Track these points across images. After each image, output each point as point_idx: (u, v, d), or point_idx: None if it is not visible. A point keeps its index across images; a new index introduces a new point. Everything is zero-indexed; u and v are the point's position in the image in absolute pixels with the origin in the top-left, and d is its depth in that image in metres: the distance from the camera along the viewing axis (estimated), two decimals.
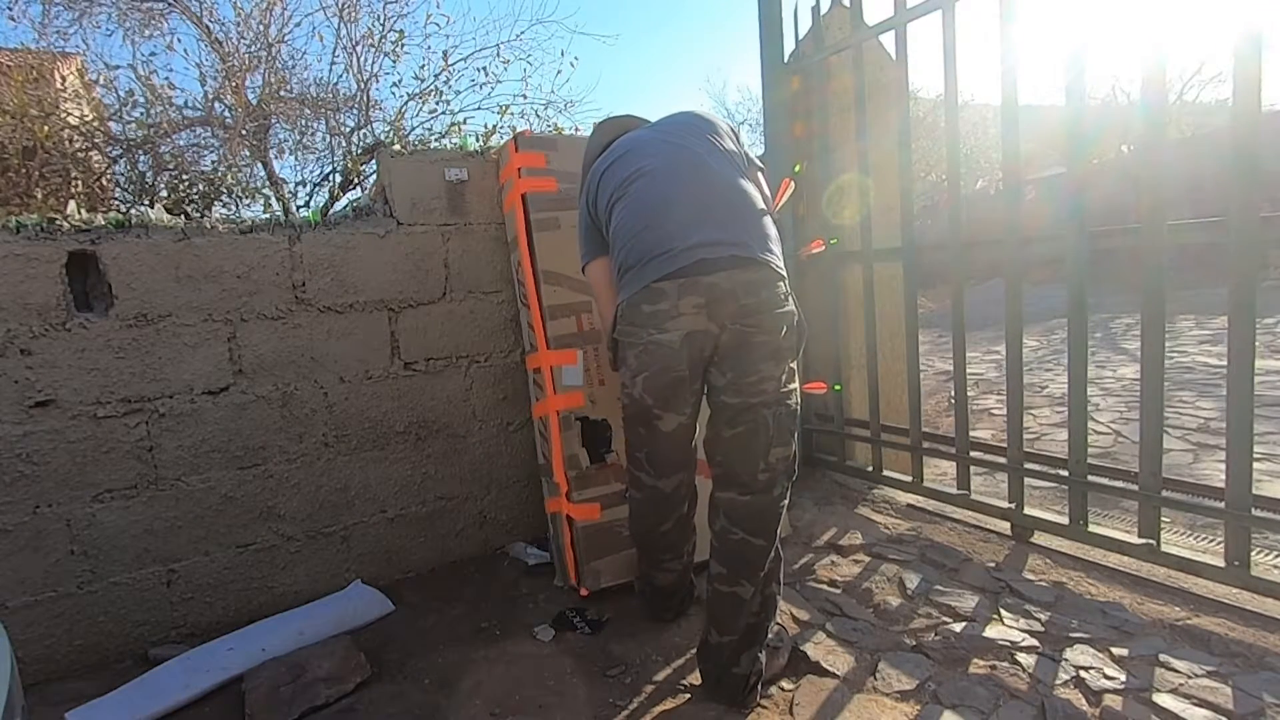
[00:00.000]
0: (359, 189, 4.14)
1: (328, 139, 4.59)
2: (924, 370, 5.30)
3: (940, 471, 2.82)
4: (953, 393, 2.43)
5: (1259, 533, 1.72)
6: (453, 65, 4.57)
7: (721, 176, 1.57)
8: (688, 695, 1.61)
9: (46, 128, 3.64)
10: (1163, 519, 1.89)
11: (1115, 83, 15.39)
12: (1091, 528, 2.00)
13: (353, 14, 4.45)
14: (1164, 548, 1.85)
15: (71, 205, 2.06)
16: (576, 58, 7.31)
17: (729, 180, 1.58)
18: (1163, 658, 1.54)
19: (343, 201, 4.14)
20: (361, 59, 4.49)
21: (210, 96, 4.24)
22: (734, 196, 1.56)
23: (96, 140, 4.09)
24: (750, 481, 1.53)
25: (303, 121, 4.61)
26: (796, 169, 2.58)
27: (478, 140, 3.24)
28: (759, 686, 1.56)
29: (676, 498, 1.74)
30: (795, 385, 1.57)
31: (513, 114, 4.61)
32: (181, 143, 4.32)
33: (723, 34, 42.76)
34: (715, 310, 1.46)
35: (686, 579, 1.91)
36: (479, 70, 4.68)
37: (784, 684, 1.62)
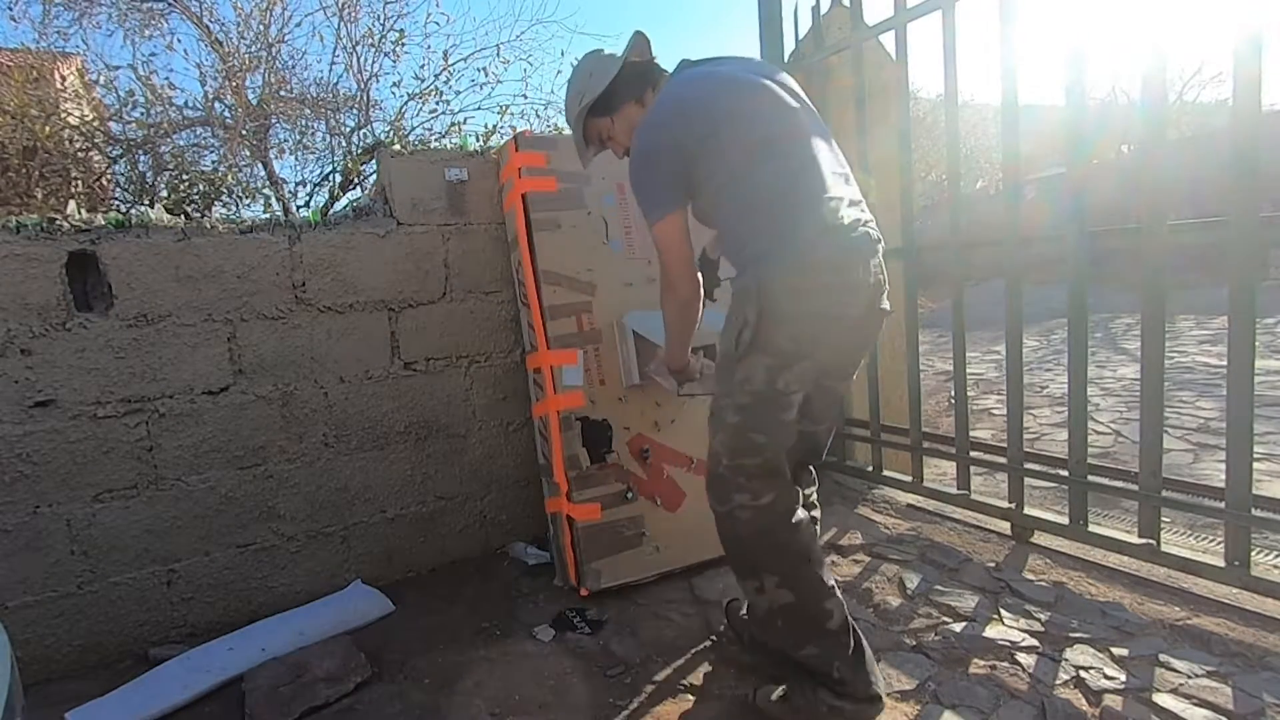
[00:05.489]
0: (359, 189, 4.15)
1: (328, 139, 4.61)
2: (924, 370, 5.30)
3: (940, 471, 2.82)
4: (953, 393, 2.43)
5: (1259, 533, 1.72)
6: (453, 65, 4.59)
7: (841, 156, 1.52)
8: (688, 695, 1.61)
9: (47, 128, 3.64)
10: (1163, 519, 1.89)
11: (1115, 83, 15.42)
12: (1091, 528, 2.00)
13: (353, 14, 4.47)
14: (1164, 548, 1.85)
15: (71, 205, 2.07)
16: (577, 58, 7.29)
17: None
18: (1163, 658, 1.55)
19: (343, 201, 4.16)
20: (361, 59, 4.50)
21: (210, 96, 4.24)
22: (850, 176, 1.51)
23: (96, 140, 4.10)
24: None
25: (303, 121, 4.62)
26: None
27: (478, 140, 3.25)
28: None
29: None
30: None
31: (513, 114, 4.63)
32: (181, 143, 4.33)
33: (723, 34, 42.69)
34: (878, 288, 1.42)
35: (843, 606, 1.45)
36: (479, 70, 4.71)
37: None
